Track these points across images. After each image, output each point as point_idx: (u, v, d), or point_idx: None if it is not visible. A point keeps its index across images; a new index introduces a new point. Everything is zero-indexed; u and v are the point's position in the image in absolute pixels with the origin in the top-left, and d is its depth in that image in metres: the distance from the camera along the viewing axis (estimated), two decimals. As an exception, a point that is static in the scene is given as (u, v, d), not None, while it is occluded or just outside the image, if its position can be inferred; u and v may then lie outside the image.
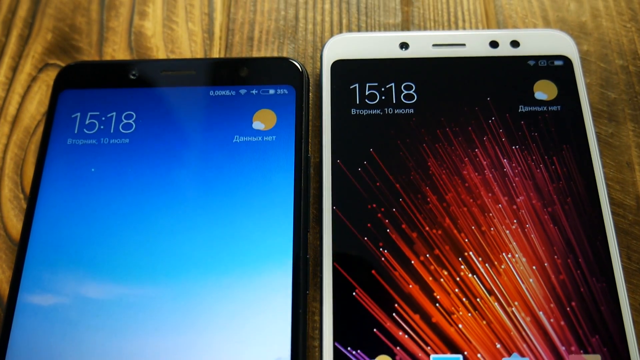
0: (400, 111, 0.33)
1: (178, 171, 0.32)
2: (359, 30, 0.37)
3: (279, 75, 0.34)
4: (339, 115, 0.33)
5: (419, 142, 0.32)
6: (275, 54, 0.36)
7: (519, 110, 0.33)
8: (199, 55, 0.37)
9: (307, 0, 0.38)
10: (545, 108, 0.33)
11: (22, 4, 0.38)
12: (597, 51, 0.36)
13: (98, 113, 0.33)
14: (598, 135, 0.34)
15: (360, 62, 0.34)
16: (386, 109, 0.33)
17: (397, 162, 0.32)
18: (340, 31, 0.37)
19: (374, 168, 0.32)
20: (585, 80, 0.34)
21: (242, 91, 0.33)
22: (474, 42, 0.35)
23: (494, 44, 0.34)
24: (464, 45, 0.34)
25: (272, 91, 0.33)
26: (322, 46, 0.35)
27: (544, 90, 0.33)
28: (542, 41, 0.34)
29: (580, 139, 0.32)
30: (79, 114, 0.33)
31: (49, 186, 0.32)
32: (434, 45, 0.35)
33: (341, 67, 0.34)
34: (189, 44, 0.37)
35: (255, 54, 0.36)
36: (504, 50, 0.34)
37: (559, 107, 0.33)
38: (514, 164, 0.32)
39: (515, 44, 0.34)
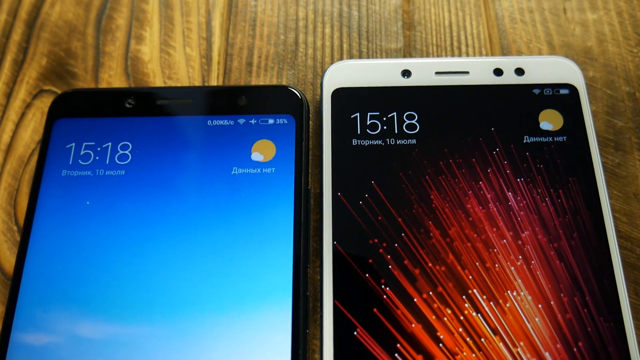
0: (403, 142, 0.32)
1: (175, 204, 0.31)
2: (360, 55, 0.36)
3: (279, 104, 0.33)
4: (340, 145, 0.32)
5: (422, 174, 0.31)
6: (274, 80, 0.36)
7: (524, 141, 0.32)
8: (197, 81, 0.36)
9: (307, 24, 0.37)
10: (550, 139, 0.32)
11: (16, 28, 0.38)
12: (603, 77, 0.35)
13: (93, 143, 0.33)
14: (604, 165, 0.33)
15: (361, 90, 0.33)
16: (388, 140, 0.32)
17: (399, 195, 0.31)
18: (341, 56, 0.36)
19: (376, 201, 0.31)
20: (591, 108, 0.33)
21: (241, 121, 0.33)
22: (477, 70, 0.34)
23: (498, 72, 0.34)
24: (467, 73, 0.34)
25: (271, 121, 0.33)
26: (323, 73, 0.34)
27: (549, 120, 0.32)
28: (548, 69, 0.34)
29: (586, 171, 0.31)
30: (73, 144, 0.33)
31: (43, 219, 0.31)
32: (436, 72, 0.34)
33: (342, 96, 0.33)
34: (186, 70, 0.36)
35: (254, 80, 0.36)
36: (509, 78, 0.34)
37: (564, 137, 0.32)
38: (518, 198, 0.31)
39: (519, 71, 0.34)
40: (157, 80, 0.36)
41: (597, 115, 0.34)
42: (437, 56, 0.36)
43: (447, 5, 0.38)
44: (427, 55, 0.36)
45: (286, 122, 0.33)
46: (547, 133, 0.32)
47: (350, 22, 0.37)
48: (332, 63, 0.36)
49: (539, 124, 0.32)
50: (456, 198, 0.31)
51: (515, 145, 0.32)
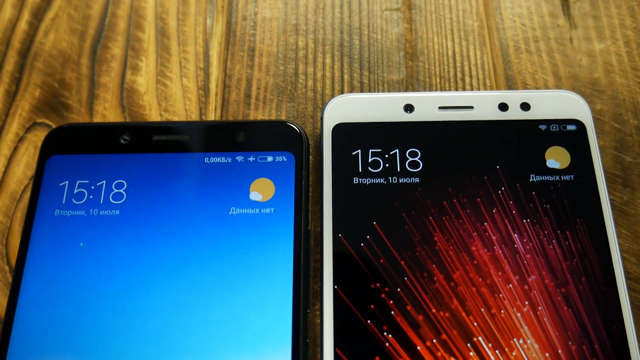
0: (405, 180, 0.31)
1: (171, 246, 0.30)
2: (361, 86, 0.36)
3: (278, 140, 0.32)
4: (341, 184, 0.31)
5: (425, 215, 0.31)
6: (273, 113, 0.35)
7: (530, 179, 0.31)
8: (194, 114, 0.35)
9: (307, 54, 0.36)
10: (557, 177, 0.31)
11: (9, 57, 0.37)
12: (610, 110, 0.35)
13: (87, 181, 0.32)
14: (612, 202, 0.32)
15: (362, 125, 0.33)
16: (390, 178, 0.31)
17: (401, 236, 0.30)
18: (342, 88, 0.35)
19: (378, 243, 0.30)
20: (598, 143, 0.32)
21: (239, 158, 0.32)
22: (482, 105, 0.33)
23: (503, 107, 0.33)
24: (471, 107, 0.33)
25: (270, 158, 0.32)
26: (323, 108, 0.33)
27: (556, 158, 0.32)
28: (554, 103, 0.33)
29: (594, 211, 0.30)
30: (67, 182, 0.32)
31: (36, 261, 0.30)
32: (440, 107, 0.33)
33: (343, 131, 0.32)
34: (183, 102, 0.35)
35: (252, 113, 0.35)
36: (514, 113, 0.33)
37: (572, 176, 0.31)
38: (525, 240, 0.30)
39: (525, 106, 0.33)
40: (153, 112, 0.35)
41: (605, 151, 0.34)
42: (441, 87, 0.36)
43: (450, 34, 0.37)
44: (430, 87, 0.36)
45: (285, 159, 0.32)
46: (553, 171, 0.31)
47: (352, 52, 0.36)
48: (332, 95, 0.35)
49: (545, 161, 0.31)
50: (460, 240, 0.30)
51: (521, 184, 0.31)
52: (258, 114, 0.35)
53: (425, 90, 0.35)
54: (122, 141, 0.32)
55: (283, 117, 0.35)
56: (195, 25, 0.37)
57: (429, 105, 0.33)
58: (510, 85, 0.35)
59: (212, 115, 0.35)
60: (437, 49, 0.37)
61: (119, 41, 0.37)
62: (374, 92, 0.35)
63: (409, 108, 0.33)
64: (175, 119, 0.35)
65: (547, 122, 0.32)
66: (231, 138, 0.32)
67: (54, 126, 0.35)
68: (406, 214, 0.31)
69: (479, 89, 0.35)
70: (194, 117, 0.35)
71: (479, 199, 0.31)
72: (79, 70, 0.36)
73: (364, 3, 0.38)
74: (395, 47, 0.37)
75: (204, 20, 0.38)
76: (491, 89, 0.35)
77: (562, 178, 0.31)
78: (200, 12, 0.38)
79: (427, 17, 0.37)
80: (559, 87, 0.35)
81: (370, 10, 0.38)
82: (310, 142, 0.34)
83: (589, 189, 0.31)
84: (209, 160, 0.32)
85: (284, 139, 0.32)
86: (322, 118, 0.33)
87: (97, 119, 0.35)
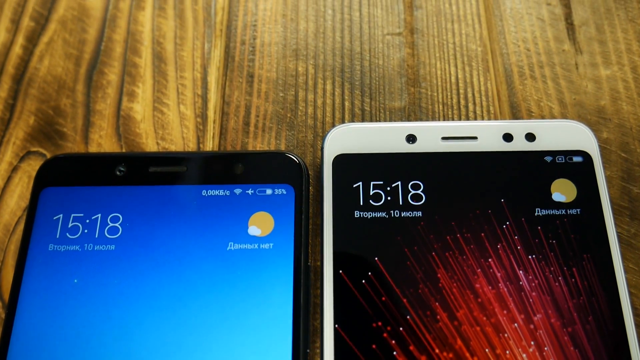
0: (407, 214, 0.31)
1: (167, 283, 0.29)
2: (362, 114, 0.35)
3: (277, 172, 0.31)
4: (342, 218, 0.30)
5: (428, 250, 0.30)
6: (273, 142, 0.34)
7: (536, 213, 0.30)
8: (192, 142, 0.34)
9: (307, 80, 0.36)
10: (563, 211, 0.30)
11: (2, 83, 0.36)
12: (617, 139, 0.34)
13: (82, 215, 0.31)
14: (619, 235, 0.32)
15: (363, 156, 0.32)
16: (392, 212, 0.31)
17: (404, 273, 0.29)
18: (342, 115, 0.35)
19: (379, 280, 0.29)
20: (605, 173, 0.31)
21: (237, 191, 0.31)
22: (486, 135, 0.32)
23: (507, 137, 0.32)
24: (475, 138, 0.32)
25: (269, 191, 0.31)
26: (323, 138, 0.32)
27: (562, 191, 0.31)
28: (560, 134, 0.32)
29: (601, 246, 0.30)
30: (61, 215, 0.31)
31: (29, 298, 0.29)
32: (443, 138, 0.32)
33: (343, 163, 0.32)
34: (180, 130, 0.35)
35: (251, 142, 0.34)
36: (519, 144, 0.32)
37: (578, 210, 0.30)
38: (530, 277, 0.29)
39: (530, 137, 0.32)
40: (149, 141, 0.34)
41: (612, 181, 0.33)
42: (444, 115, 0.35)
43: (453, 60, 0.36)
44: (433, 114, 0.35)
45: (285, 192, 0.31)
46: (559, 205, 0.31)
47: (352, 78, 0.36)
48: (333, 123, 0.34)
49: (551, 194, 0.31)
50: (464, 277, 0.29)
51: (526, 218, 0.30)
52: (257, 143, 0.34)
53: (427, 118, 0.35)
54: (117, 173, 0.32)
55: (283, 146, 0.34)
56: (193, 49, 0.37)
57: (432, 136, 0.32)
58: (515, 112, 0.35)
59: (210, 144, 0.34)
60: (440, 74, 0.36)
61: (115, 66, 0.36)
62: (376, 120, 0.35)
63: (411, 139, 0.32)
64: (173, 147, 0.34)
65: (553, 153, 0.32)
66: (229, 170, 0.32)
67: (48, 155, 0.34)
68: (408, 250, 0.30)
69: (482, 117, 0.35)
70: (192, 145, 0.34)
71: (483, 234, 0.30)
72: (74, 97, 0.35)
73: (365, 27, 0.37)
74: (397, 73, 0.36)
75: (202, 45, 0.37)
76: (495, 116, 0.35)
77: (569, 212, 0.30)
78: (198, 36, 0.37)
79: (429, 41, 0.37)
80: (565, 114, 0.34)
81: (372, 34, 0.37)
82: (310, 172, 0.33)
83: (595, 224, 0.30)
84: (207, 193, 0.31)
85: (283, 171, 0.32)
86: (322, 149, 0.32)
87: (93, 147, 0.34)
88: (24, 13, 0.38)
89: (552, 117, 0.34)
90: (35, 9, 0.38)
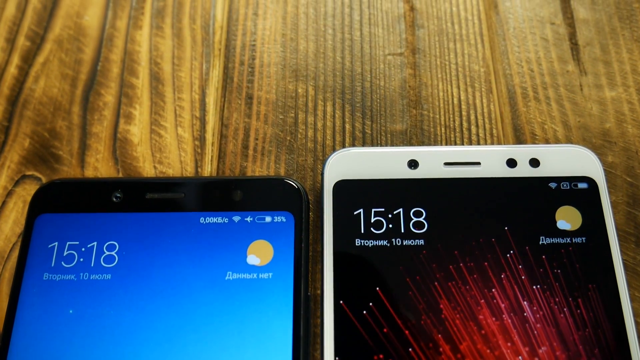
0: (410, 242, 0.30)
1: (164, 314, 0.29)
2: (363, 137, 0.34)
3: (276, 198, 0.31)
4: (342, 246, 0.30)
5: (430, 280, 0.29)
6: (272, 166, 0.33)
7: (540, 242, 0.30)
8: (189, 166, 0.34)
9: (307, 101, 0.35)
10: (568, 240, 0.30)
11: (-3, 105, 0.35)
12: (622, 163, 0.33)
13: (77, 242, 0.30)
14: (625, 263, 0.31)
15: (365, 182, 0.31)
16: (394, 240, 0.30)
17: (406, 303, 0.29)
18: (343, 138, 0.34)
19: (381, 311, 0.29)
20: (610, 199, 0.31)
21: (236, 218, 0.30)
22: (489, 161, 0.32)
23: (511, 163, 0.31)
24: (478, 164, 0.31)
25: (268, 218, 0.30)
26: (324, 163, 0.32)
27: (567, 219, 0.30)
28: (564, 159, 0.31)
29: (607, 276, 0.29)
30: (56, 243, 0.30)
31: (24, 328, 0.29)
32: (445, 163, 0.32)
33: (344, 189, 0.31)
34: (178, 153, 0.34)
35: (250, 166, 0.33)
36: (523, 170, 0.31)
37: (583, 238, 0.30)
38: (535, 308, 0.29)
39: (534, 162, 0.31)
40: (146, 165, 0.34)
41: (617, 207, 0.32)
42: (446, 138, 0.34)
43: (455, 81, 0.36)
44: (435, 137, 0.34)
45: (284, 219, 0.30)
46: (564, 233, 0.30)
47: (353, 99, 0.35)
48: (333, 146, 0.34)
49: (555, 222, 0.30)
50: (467, 308, 0.29)
51: (530, 247, 0.30)
52: (256, 167, 0.33)
53: (429, 141, 0.34)
54: (114, 199, 0.31)
55: (282, 170, 0.33)
56: (191, 70, 0.36)
57: (434, 161, 0.32)
58: (518, 135, 0.34)
59: (208, 168, 0.33)
60: (442, 96, 0.35)
61: (112, 87, 0.36)
62: (377, 143, 0.34)
63: (413, 164, 0.32)
64: (170, 171, 0.33)
65: (558, 179, 0.31)
66: (228, 196, 0.31)
67: (43, 179, 0.33)
68: (410, 279, 0.29)
69: (485, 140, 0.34)
70: (189, 169, 0.33)
71: (486, 263, 0.29)
72: (70, 119, 0.35)
73: (366, 47, 0.37)
74: (399, 95, 0.35)
75: (200, 65, 0.36)
76: (498, 139, 0.34)
77: (574, 240, 0.30)
78: (196, 56, 0.36)
79: (431, 61, 0.36)
80: (569, 137, 0.34)
81: (373, 55, 0.36)
82: (310, 197, 0.32)
83: (601, 252, 0.30)
84: (205, 220, 0.30)
85: (282, 197, 0.31)
86: (322, 174, 0.31)
87: (89, 171, 0.34)
88: (20, 32, 0.37)
89: (557, 140, 0.34)
90: (31, 27, 0.37)
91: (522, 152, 0.32)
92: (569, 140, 0.34)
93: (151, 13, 0.38)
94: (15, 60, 0.37)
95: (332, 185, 0.31)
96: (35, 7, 0.38)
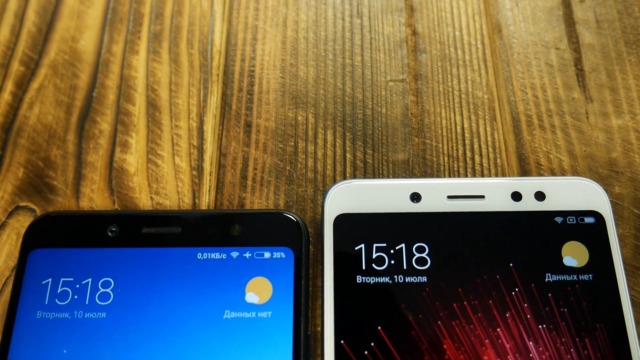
0: (412, 279, 0.29)
1: (161, 354, 0.28)
2: (364, 166, 0.33)
3: (276, 233, 0.30)
4: (343, 283, 0.29)
5: (433, 319, 0.28)
6: (271, 197, 0.33)
7: (546, 279, 0.29)
8: (187, 197, 0.33)
9: (307, 129, 0.34)
10: (575, 277, 0.29)
11: (-9, 133, 0.35)
12: (630, 194, 0.32)
13: (72, 279, 0.30)
14: (632, 299, 0.30)
15: (366, 216, 0.30)
16: (396, 277, 0.29)
17: (408, 343, 0.28)
18: (344, 168, 0.33)
19: (383, 351, 0.28)
20: (617, 233, 0.30)
21: (234, 254, 0.30)
22: (494, 194, 0.31)
23: (516, 196, 0.31)
24: (482, 197, 0.31)
25: (267, 254, 0.30)
26: (324, 195, 0.31)
27: (573, 255, 0.29)
28: (571, 193, 0.31)
29: (615, 315, 0.28)
30: (50, 279, 0.30)
31: (16, 368, 0.28)
32: (448, 197, 0.31)
33: (345, 223, 0.30)
34: (175, 183, 0.33)
35: (249, 197, 0.33)
36: (528, 204, 0.31)
37: (590, 276, 0.29)
38: (541, 348, 0.28)
39: (540, 195, 0.31)
40: (143, 195, 0.33)
41: (624, 240, 0.31)
42: (449, 167, 0.33)
43: (458, 108, 0.35)
44: (438, 167, 0.33)
45: (284, 256, 0.30)
46: (571, 270, 0.29)
47: (354, 127, 0.34)
48: (334, 176, 0.33)
49: (562, 258, 0.29)
50: (471, 348, 0.28)
51: (536, 284, 0.29)
52: (255, 198, 0.33)
53: (432, 171, 0.33)
54: (109, 233, 0.30)
55: (282, 201, 0.33)
56: (189, 97, 0.35)
57: (437, 195, 0.31)
58: (523, 165, 0.33)
59: (205, 198, 0.33)
60: (445, 124, 0.34)
61: (108, 115, 0.35)
62: (378, 172, 0.33)
63: (415, 197, 0.31)
64: (167, 202, 0.33)
65: (564, 213, 0.30)
66: (226, 231, 0.30)
67: (37, 210, 0.33)
68: (413, 318, 0.28)
69: (489, 169, 0.33)
70: (187, 200, 0.33)
71: (491, 301, 0.29)
72: (64, 148, 0.34)
73: (367, 73, 0.36)
74: (401, 122, 0.34)
75: (198, 92, 0.35)
76: (502, 168, 0.33)
77: (580, 278, 0.29)
78: (194, 82, 0.36)
79: (434, 88, 0.35)
80: (575, 167, 0.33)
81: (374, 81, 0.36)
82: (310, 230, 0.32)
83: (608, 289, 0.29)
84: (202, 256, 0.30)
85: (282, 232, 0.30)
86: (323, 208, 0.31)
87: (84, 202, 0.33)
88: (14, 57, 0.37)
89: (562, 169, 0.33)
90: (25, 52, 0.37)
91: (528, 185, 0.31)
92: (574, 170, 0.33)
93: (148, 37, 0.37)
94: (9, 86, 0.36)
95: (333, 220, 0.30)
96: (29, 31, 0.37)
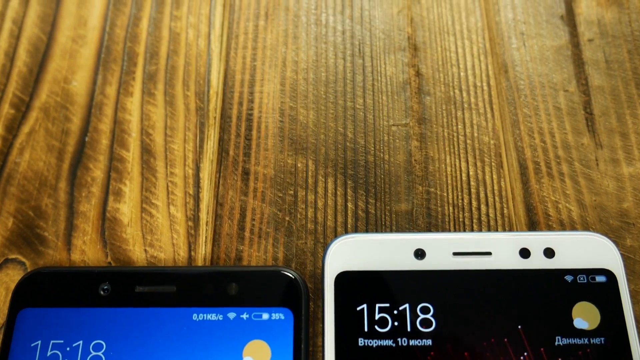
0: (416, 343, 0.28)
1: (154, 423, 0.27)
2: (366, 216, 0.32)
3: (274, 293, 0.29)
4: (344, 347, 0.28)
5: (439, 386, 0.27)
6: (270, 250, 0.32)
7: (556, 343, 0.28)
8: (182, 249, 0.32)
9: (307, 177, 0.33)
10: (586, 341, 0.28)
11: (-20, 180, 0.33)
12: (642, 247, 0.31)
13: (62, 341, 0.28)
14: (646, 360, 0.29)
15: (368, 274, 0.29)
16: (399, 340, 0.28)
17: (412, 412, 0.27)
18: (345, 218, 0.32)
19: (386, 420, 0.27)
20: (630, 291, 0.29)
21: (231, 315, 0.29)
22: (501, 251, 0.30)
23: (525, 253, 0.30)
24: (489, 254, 0.30)
25: (265, 316, 0.28)
26: (325, 251, 0.30)
27: (584, 317, 0.28)
28: (581, 249, 0.30)
29: (628, 381, 0.27)
30: (39, 341, 0.28)
31: None
32: (454, 254, 0.30)
33: (346, 282, 0.29)
34: (170, 235, 0.32)
35: (247, 250, 0.32)
36: (537, 261, 0.29)
37: (602, 339, 0.28)
38: (551, 418, 0.27)
39: (549, 252, 0.30)
40: (137, 248, 0.32)
41: (636, 297, 0.30)
42: (454, 218, 0.32)
43: (464, 154, 0.34)
44: (443, 217, 0.32)
45: (283, 317, 0.28)
46: (582, 333, 0.28)
47: (356, 175, 0.33)
48: (335, 228, 0.32)
49: (572, 320, 0.28)
50: (479, 417, 0.27)
51: (545, 348, 0.28)
52: (253, 251, 0.32)
53: (437, 222, 0.32)
54: (101, 292, 0.29)
55: (280, 254, 0.31)
56: (185, 142, 0.34)
57: (442, 251, 0.30)
58: (531, 215, 0.32)
59: (202, 251, 0.32)
60: (450, 171, 0.33)
61: (101, 161, 0.34)
62: (381, 223, 0.32)
63: (420, 254, 0.30)
64: (162, 255, 0.32)
65: (574, 272, 0.29)
66: (222, 290, 0.29)
67: (27, 263, 0.31)
68: (417, 384, 0.27)
69: (496, 220, 0.32)
70: (182, 253, 0.32)
71: (499, 367, 0.28)
72: (56, 196, 0.33)
73: (369, 117, 0.35)
74: (404, 170, 0.33)
75: (194, 136, 0.34)
76: (509, 219, 0.32)
77: (592, 342, 0.28)
78: (190, 126, 0.35)
79: (438, 132, 0.34)
80: (584, 218, 0.32)
81: (377, 125, 0.34)
82: (310, 285, 0.30)
83: (620, 354, 0.28)
84: (198, 317, 0.29)
85: (281, 292, 0.29)
86: (323, 264, 0.29)
87: (76, 255, 0.32)
88: (4, 99, 0.35)
89: (571, 221, 0.32)
90: (15, 93, 0.35)
91: (536, 241, 0.30)
92: (584, 221, 0.32)
93: (143, 78, 0.36)
94: (-1, 130, 0.35)
95: (334, 278, 0.29)
96: (20, 71, 0.36)
